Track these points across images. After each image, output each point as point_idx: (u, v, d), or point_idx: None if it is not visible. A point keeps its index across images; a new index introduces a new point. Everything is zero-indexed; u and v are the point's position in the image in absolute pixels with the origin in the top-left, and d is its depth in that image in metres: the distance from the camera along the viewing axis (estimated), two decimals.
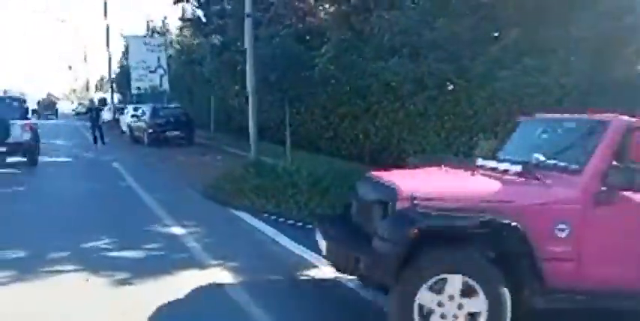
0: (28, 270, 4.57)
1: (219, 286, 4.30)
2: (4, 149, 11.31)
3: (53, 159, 13.45)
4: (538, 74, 7.52)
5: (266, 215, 6.81)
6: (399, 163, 9.39)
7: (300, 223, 6.43)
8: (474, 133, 8.09)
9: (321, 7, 13.65)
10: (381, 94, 10.66)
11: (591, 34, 7.00)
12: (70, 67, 57.52)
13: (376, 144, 10.85)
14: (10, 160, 11.74)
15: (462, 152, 7.81)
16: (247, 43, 11.14)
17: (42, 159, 12.54)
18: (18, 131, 11.31)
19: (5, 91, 17.28)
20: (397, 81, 9.85)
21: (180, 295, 4.04)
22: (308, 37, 14.53)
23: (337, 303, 4.02)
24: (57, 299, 4.00)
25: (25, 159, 11.81)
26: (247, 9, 11.25)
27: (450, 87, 9.34)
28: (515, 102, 7.60)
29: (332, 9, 12.71)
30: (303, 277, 4.55)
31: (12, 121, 11.21)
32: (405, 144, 9.96)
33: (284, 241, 5.67)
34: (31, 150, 11.71)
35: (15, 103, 12.13)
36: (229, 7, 18.01)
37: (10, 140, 11.20)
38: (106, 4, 28.75)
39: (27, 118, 11.94)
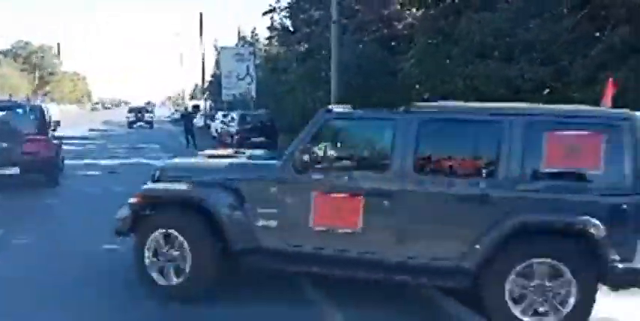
0: None
1: None
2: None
3: (147, 161, 14.37)
4: None
5: None
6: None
7: None
8: None
9: (408, 12, 13.47)
10: (468, 99, 10.22)
11: None
12: (168, 78, 61.45)
13: None
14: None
15: None
16: (333, 49, 11.25)
17: (137, 160, 13.57)
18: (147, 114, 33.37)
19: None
20: (487, 85, 9.40)
21: None
22: (393, 43, 14.41)
23: None
24: None
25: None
26: (334, 16, 11.38)
27: (546, 91, 8.75)
28: (620, 106, 6.93)
29: (419, 13, 12.48)
30: None
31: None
32: None
33: None
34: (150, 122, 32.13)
35: (149, 107, 39.44)
36: (317, 14, 18.35)
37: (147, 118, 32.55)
38: (201, 19, 30.52)
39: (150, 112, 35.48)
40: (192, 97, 53.89)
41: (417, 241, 3.61)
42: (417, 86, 11.89)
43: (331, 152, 3.91)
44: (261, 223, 3.84)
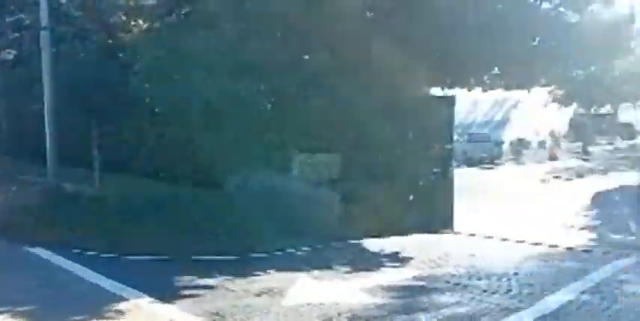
0: None
1: None
2: None
3: None
4: (345, 93, 8.16)
5: (73, 250, 6.10)
6: (221, 182, 9.26)
7: (111, 255, 5.91)
8: (289, 148, 8.42)
9: (133, 23, 12.97)
10: (201, 113, 10.43)
11: (386, 59, 7.87)
12: None
13: (197, 164, 10.52)
14: None
15: (280, 166, 8.04)
16: (44, 58, 10.07)
17: None
18: None
19: None
20: (216, 99, 9.75)
21: None
22: (121, 54, 13.66)
23: None
24: None
25: None
26: (44, 21, 10.22)
27: (268, 105, 9.57)
28: (323, 118, 8.14)
29: (145, 25, 12.14)
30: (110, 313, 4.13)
31: None
32: (226, 162, 9.85)
33: (90, 276, 5.11)
34: None
35: None
36: (28, 20, 16.10)
37: None
38: None
39: None
40: None
41: None
42: (149, 100, 11.53)
43: None
44: None
